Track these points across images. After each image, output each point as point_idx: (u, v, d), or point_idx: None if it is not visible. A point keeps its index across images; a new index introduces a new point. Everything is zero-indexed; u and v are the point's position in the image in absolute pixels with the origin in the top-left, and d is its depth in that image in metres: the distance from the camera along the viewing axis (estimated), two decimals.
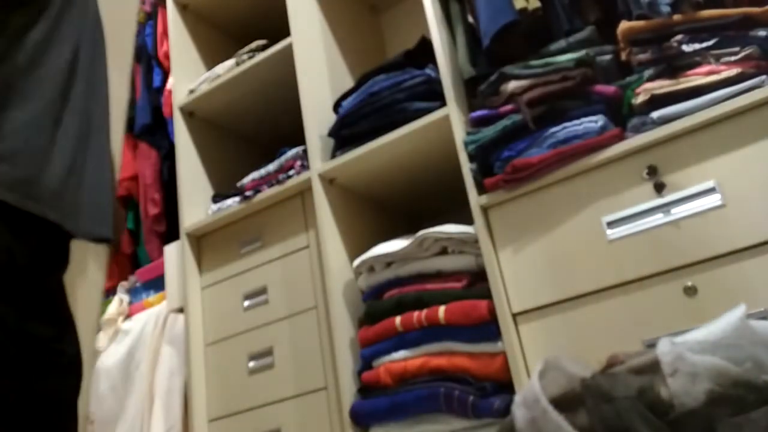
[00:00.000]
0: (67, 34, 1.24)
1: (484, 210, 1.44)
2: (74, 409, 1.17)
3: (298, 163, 1.78)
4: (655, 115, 1.28)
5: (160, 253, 2.07)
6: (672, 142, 1.26)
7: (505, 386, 1.31)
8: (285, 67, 1.89)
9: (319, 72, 1.89)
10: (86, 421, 1.89)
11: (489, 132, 1.45)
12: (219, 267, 1.88)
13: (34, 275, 1.16)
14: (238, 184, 1.90)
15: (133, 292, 2.15)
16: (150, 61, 2.30)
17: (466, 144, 1.48)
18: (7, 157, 1.14)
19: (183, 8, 2.23)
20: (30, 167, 1.16)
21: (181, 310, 1.88)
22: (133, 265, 2.30)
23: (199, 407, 1.74)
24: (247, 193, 1.83)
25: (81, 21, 1.27)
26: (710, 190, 1.20)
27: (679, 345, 0.81)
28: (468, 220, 1.46)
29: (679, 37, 1.33)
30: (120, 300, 2.09)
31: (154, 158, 2.24)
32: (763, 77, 1.21)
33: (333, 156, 1.74)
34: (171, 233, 2.09)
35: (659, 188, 1.25)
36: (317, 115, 1.79)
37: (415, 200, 1.93)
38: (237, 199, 1.86)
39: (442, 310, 1.39)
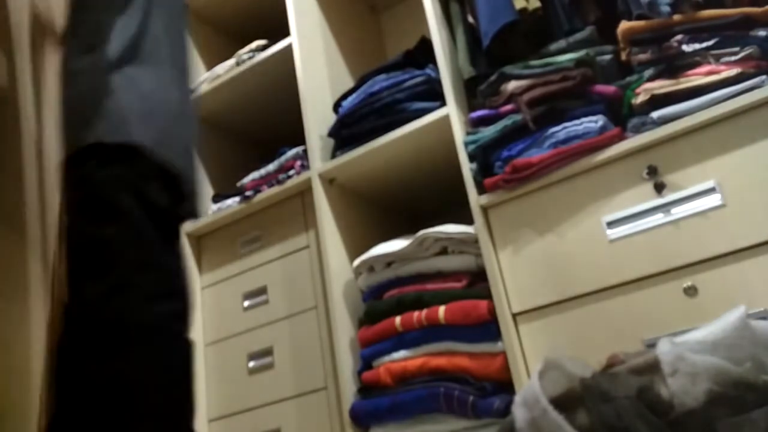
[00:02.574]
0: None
1: (484, 210, 1.44)
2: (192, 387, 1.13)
3: (298, 163, 1.78)
4: (655, 115, 1.28)
5: None
6: (672, 142, 1.26)
7: (505, 386, 1.31)
8: (285, 67, 1.89)
9: (319, 72, 1.89)
10: None
11: (489, 132, 1.45)
12: (219, 267, 1.88)
13: (169, 246, 1.14)
14: (238, 184, 1.90)
15: None
16: None
17: (466, 144, 1.48)
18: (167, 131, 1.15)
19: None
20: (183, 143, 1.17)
21: None
22: None
23: (199, 407, 1.74)
24: (247, 193, 1.83)
25: None
26: (710, 190, 1.20)
27: (679, 345, 0.81)
28: (468, 220, 1.46)
29: (679, 37, 1.33)
30: None
31: None
32: (763, 77, 1.21)
33: (333, 156, 1.74)
34: None
35: (659, 188, 1.25)
36: (317, 115, 1.79)
37: (415, 200, 1.93)
38: (237, 199, 1.86)
39: (442, 310, 1.39)
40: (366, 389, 1.49)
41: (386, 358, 1.46)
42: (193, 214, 1.19)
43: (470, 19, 1.62)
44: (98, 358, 0.91)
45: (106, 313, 0.94)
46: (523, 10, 1.51)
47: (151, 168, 1.08)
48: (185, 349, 1.00)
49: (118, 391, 0.89)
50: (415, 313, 1.43)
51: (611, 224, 1.28)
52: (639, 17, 1.38)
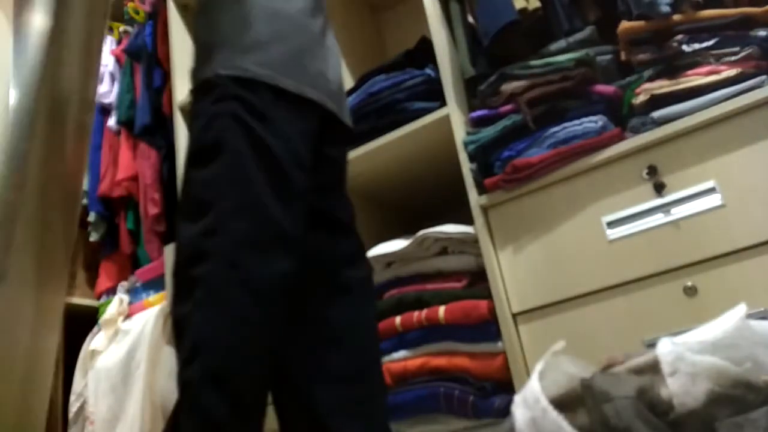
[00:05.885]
0: None
1: (484, 210, 1.44)
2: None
3: None
4: (655, 115, 1.28)
5: (161, 253, 2.07)
6: (672, 142, 1.26)
7: (505, 386, 1.31)
8: None
9: None
10: (86, 421, 1.89)
11: (489, 132, 1.45)
12: None
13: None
14: None
15: (133, 292, 2.15)
16: (150, 61, 2.30)
17: (466, 144, 1.48)
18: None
19: (183, 8, 2.23)
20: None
21: None
22: (133, 265, 2.29)
23: None
24: None
25: None
26: (710, 190, 1.20)
27: (679, 345, 0.80)
28: (468, 220, 1.46)
29: (679, 37, 1.33)
30: (120, 300, 2.09)
31: (153, 158, 2.24)
32: (763, 77, 1.21)
33: None
34: (171, 233, 2.09)
35: (659, 188, 1.25)
36: None
37: (415, 200, 1.93)
38: None
39: (442, 310, 1.39)
40: None
41: (386, 358, 1.46)
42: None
43: (470, 19, 1.62)
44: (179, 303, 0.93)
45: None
46: (523, 10, 1.51)
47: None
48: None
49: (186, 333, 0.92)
50: (415, 313, 1.43)
51: (611, 224, 1.28)
52: (639, 17, 1.38)
